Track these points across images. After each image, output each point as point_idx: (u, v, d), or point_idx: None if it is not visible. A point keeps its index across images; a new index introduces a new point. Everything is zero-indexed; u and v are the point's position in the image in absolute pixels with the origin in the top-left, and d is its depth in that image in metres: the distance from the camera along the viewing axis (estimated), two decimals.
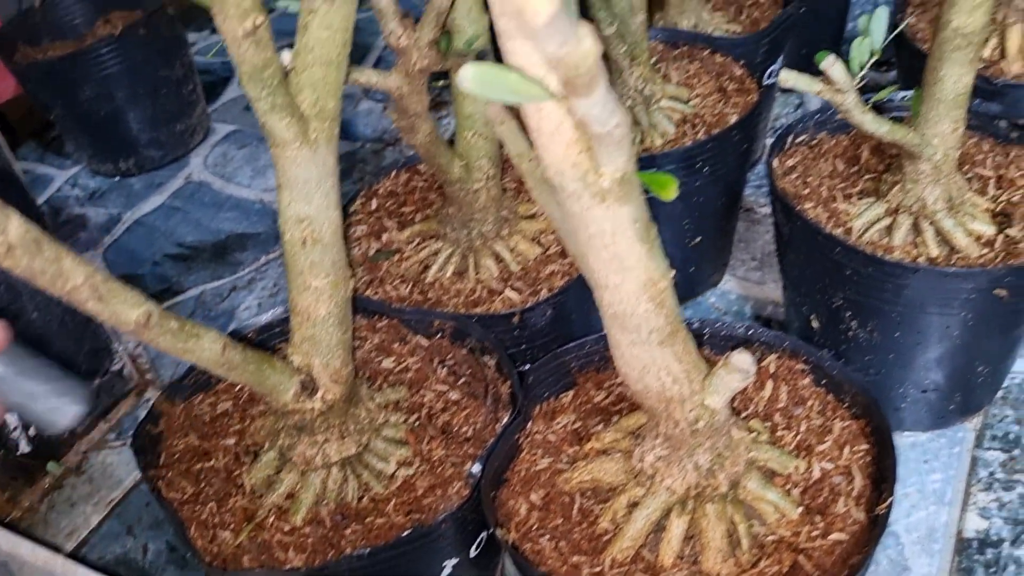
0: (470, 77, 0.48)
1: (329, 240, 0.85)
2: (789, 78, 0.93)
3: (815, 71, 0.99)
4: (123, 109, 1.94)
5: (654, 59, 1.45)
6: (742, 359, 0.78)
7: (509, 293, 1.10)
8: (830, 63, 0.91)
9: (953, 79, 1.03)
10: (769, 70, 1.55)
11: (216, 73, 2.38)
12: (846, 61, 0.98)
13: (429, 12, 0.90)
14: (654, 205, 1.34)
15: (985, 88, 1.30)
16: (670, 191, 0.65)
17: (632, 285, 0.71)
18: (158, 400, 1.04)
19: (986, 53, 1.37)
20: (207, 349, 0.80)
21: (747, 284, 1.49)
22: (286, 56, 0.81)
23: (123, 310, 0.72)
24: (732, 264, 1.52)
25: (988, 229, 1.11)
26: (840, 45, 1.92)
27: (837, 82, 0.92)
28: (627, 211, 0.67)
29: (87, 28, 2.06)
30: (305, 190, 0.81)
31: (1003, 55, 1.36)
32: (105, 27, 2.03)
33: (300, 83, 0.78)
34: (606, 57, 1.30)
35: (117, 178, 2.02)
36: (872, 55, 0.97)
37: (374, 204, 1.28)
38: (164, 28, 1.92)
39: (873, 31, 0.95)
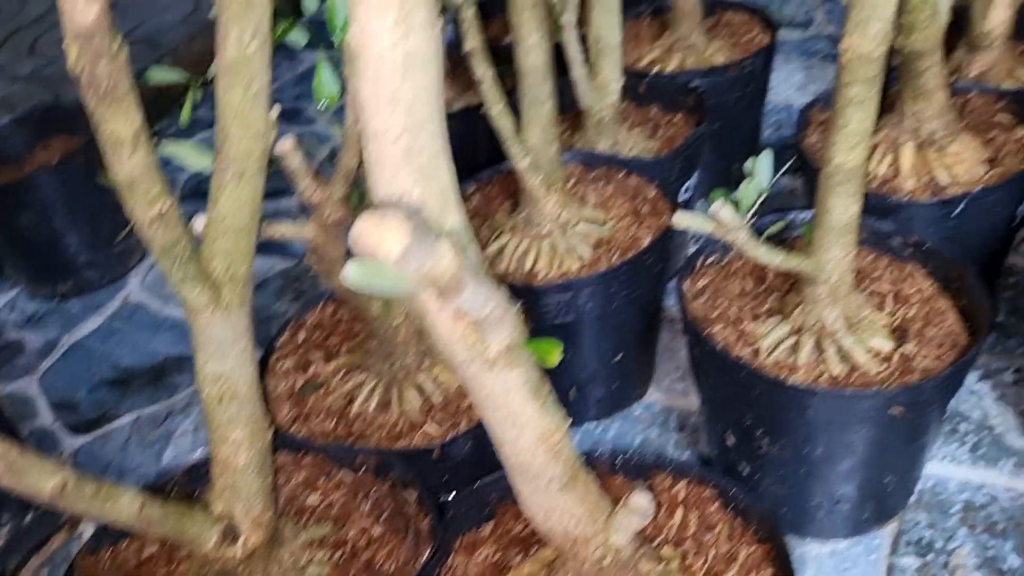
0: (352, 273, 0.53)
1: (245, 394, 0.88)
2: (683, 220, 0.99)
3: (733, 179, 1.04)
4: (61, 233, 1.96)
5: (572, 181, 1.52)
6: (640, 500, 0.81)
7: (429, 427, 1.13)
8: (718, 207, 0.98)
9: (840, 210, 1.10)
10: (684, 186, 1.63)
11: None
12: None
13: (339, 171, 0.95)
14: (575, 326, 1.39)
15: (880, 206, 1.38)
16: (553, 358, 0.69)
17: (528, 439, 0.75)
18: (80, 553, 1.05)
19: (882, 170, 1.45)
20: (125, 510, 0.82)
21: (671, 395, 1.54)
22: (199, 223, 0.85)
23: (38, 482, 0.75)
24: (657, 375, 1.57)
25: (886, 345, 1.17)
26: (756, 152, 2.01)
27: (727, 224, 0.99)
28: (516, 374, 0.71)
29: (26, 154, 2.09)
30: (220, 351, 0.84)
31: (897, 172, 1.44)
32: (44, 153, 2.06)
33: (213, 251, 0.82)
34: (523, 188, 1.36)
35: (55, 300, 2.03)
36: (761, 194, 1.04)
37: (301, 337, 1.31)
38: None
39: (759, 173, 1.02)
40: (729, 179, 1.92)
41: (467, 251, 0.66)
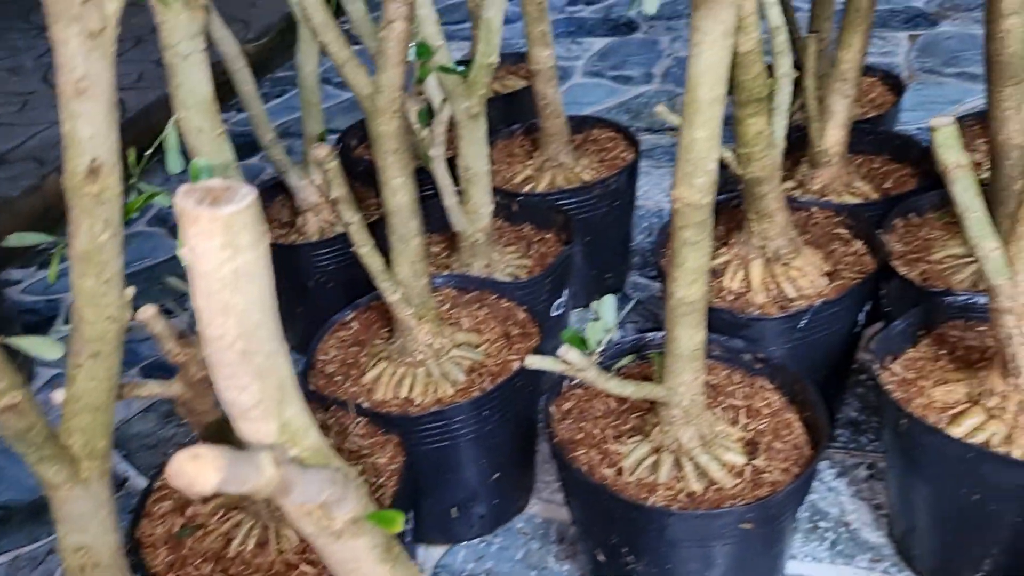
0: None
1: (108, 561, 0.90)
2: (533, 362, 1.06)
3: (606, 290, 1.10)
4: None
5: (447, 305, 1.58)
6: None
7: (304, 567, 1.16)
8: (565, 351, 1.04)
9: (686, 338, 1.18)
10: (556, 303, 1.71)
11: (40, 313, 2.39)
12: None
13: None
14: (451, 449, 1.43)
15: (733, 321, 1.47)
16: (397, 526, 0.74)
17: None
18: None
19: (735, 286, 1.55)
20: None
21: (551, 506, 1.59)
22: (58, 395, 0.88)
23: None
24: (537, 487, 1.62)
25: (740, 459, 1.25)
26: (628, 259, 2.11)
27: (575, 364, 1.05)
28: (364, 541, 0.75)
29: None
30: (80, 523, 0.86)
31: (749, 287, 1.55)
32: None
33: (71, 428, 0.84)
34: (396, 318, 1.42)
35: None
36: (608, 331, 1.11)
37: None
38: None
39: (604, 315, 1.09)
40: (602, 288, 2.01)
41: (308, 435, 0.71)
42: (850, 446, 1.62)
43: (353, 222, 1.28)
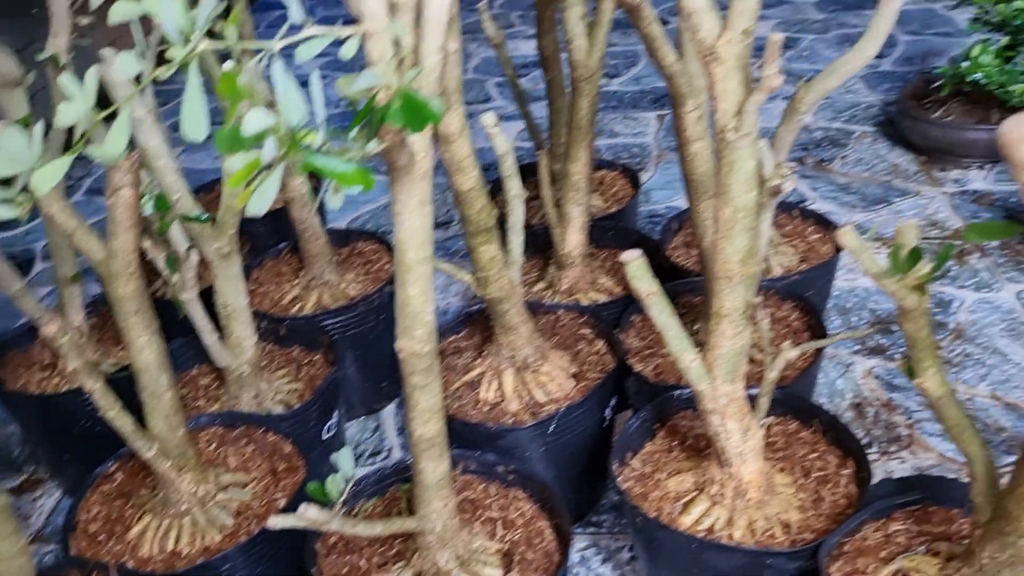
0: None
1: None
2: (276, 522, 1.10)
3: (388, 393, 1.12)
4: None
5: (213, 444, 1.60)
6: None
7: None
8: (304, 509, 1.09)
9: (430, 471, 1.25)
10: (327, 426, 1.75)
11: None
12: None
13: None
14: None
15: (488, 434, 1.56)
16: None
17: None
18: None
19: (490, 396, 1.65)
20: None
21: None
22: None
23: None
24: None
25: (496, 573, 1.33)
26: None
27: (316, 520, 1.10)
28: None
29: None
30: None
31: (503, 397, 1.64)
32: None
33: None
34: (154, 472, 1.42)
35: None
36: (348, 481, 1.17)
37: None
38: None
39: (343, 466, 1.15)
40: (380, 396, 2.07)
41: None
42: (614, 530, 1.74)
43: (95, 389, 1.29)
